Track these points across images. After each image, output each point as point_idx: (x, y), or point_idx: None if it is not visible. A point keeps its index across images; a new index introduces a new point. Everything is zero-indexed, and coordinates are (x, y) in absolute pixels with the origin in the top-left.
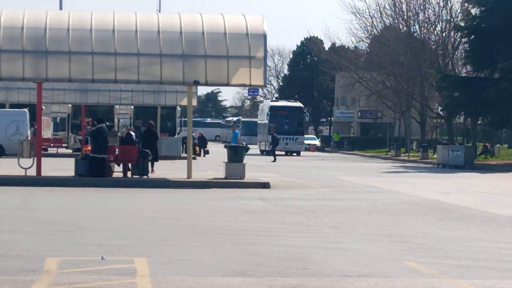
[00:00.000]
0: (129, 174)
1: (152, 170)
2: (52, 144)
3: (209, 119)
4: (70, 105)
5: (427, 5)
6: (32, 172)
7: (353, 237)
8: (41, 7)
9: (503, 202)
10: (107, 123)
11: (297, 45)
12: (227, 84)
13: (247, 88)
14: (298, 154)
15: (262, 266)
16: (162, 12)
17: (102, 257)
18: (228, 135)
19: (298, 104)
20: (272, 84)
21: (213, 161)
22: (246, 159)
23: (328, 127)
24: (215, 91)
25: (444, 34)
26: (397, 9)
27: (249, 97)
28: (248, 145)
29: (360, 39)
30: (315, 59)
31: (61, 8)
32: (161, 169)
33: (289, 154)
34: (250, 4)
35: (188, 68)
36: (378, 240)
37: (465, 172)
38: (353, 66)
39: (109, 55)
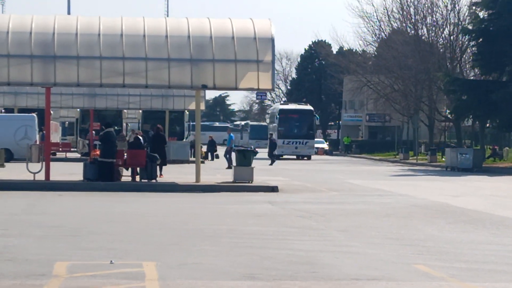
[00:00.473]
0: (137, 178)
1: (161, 174)
2: (60, 149)
3: (217, 123)
4: (78, 109)
5: (435, 9)
6: (40, 176)
7: (362, 240)
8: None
9: (511, 205)
10: (116, 127)
11: (305, 49)
12: (235, 88)
13: (255, 92)
14: (309, 158)
15: (270, 269)
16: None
17: (111, 261)
18: (237, 139)
19: (309, 107)
20: (280, 88)
21: (222, 164)
22: (255, 163)
23: (336, 131)
24: (223, 95)
25: (452, 38)
26: (405, 13)
27: (257, 101)
28: (257, 149)
29: (368, 43)
30: (323, 62)
31: (69, 13)
32: (170, 173)
33: (300, 158)
34: (258, 8)
35: (196, 72)
36: (387, 244)
37: (474, 175)
38: (361, 69)
39: (117, 59)
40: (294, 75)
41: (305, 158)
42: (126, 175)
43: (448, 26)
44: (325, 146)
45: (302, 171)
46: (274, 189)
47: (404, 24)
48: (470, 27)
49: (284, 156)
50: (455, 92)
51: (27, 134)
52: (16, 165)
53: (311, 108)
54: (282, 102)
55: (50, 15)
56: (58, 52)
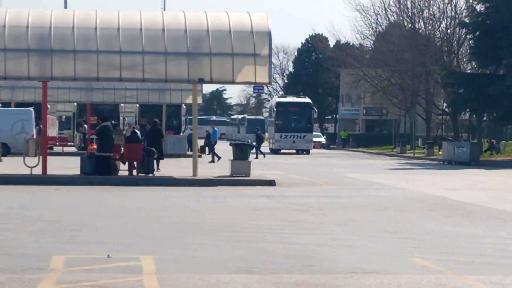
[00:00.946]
0: (134, 172)
1: (158, 168)
2: (57, 143)
3: (214, 117)
4: (75, 103)
5: (431, 2)
6: (37, 170)
7: (359, 234)
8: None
9: (509, 198)
10: (113, 121)
11: (301, 43)
12: (232, 82)
13: (252, 85)
14: (308, 152)
15: (267, 263)
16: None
17: (108, 255)
18: (234, 133)
19: (307, 100)
20: (277, 82)
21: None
22: (252, 157)
23: (333, 124)
24: (220, 89)
25: (449, 31)
26: (401, 6)
27: (254, 94)
28: (253, 143)
29: (364, 36)
30: (320, 56)
31: (65, 7)
32: (167, 167)
33: (300, 152)
34: (254, 1)
35: (193, 66)
36: (384, 237)
37: (471, 168)
38: (358, 63)
39: (114, 53)
40: (291, 69)
41: (304, 152)
42: (123, 169)
43: (445, 20)
44: (322, 139)
45: (299, 165)
46: (271, 183)
47: (401, 18)
48: (467, 20)
49: (282, 151)
50: (452, 86)
51: (24, 128)
52: (13, 159)
53: (309, 100)
54: (279, 95)
55: (46, 9)
56: (55, 46)
